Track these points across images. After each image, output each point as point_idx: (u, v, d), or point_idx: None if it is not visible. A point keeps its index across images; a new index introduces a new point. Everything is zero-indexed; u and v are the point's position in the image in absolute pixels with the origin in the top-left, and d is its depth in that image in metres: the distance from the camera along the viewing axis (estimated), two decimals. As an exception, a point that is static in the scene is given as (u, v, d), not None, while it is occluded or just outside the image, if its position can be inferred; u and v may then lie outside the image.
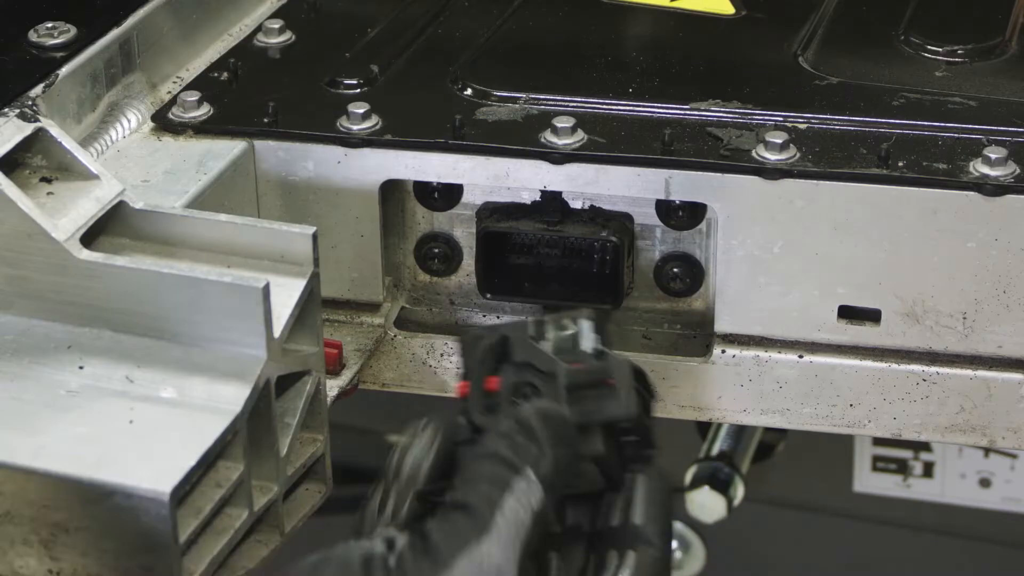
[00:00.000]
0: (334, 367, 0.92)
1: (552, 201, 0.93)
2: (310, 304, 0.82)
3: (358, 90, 0.98)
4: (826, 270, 0.90)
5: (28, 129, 0.84)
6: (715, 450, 1.58)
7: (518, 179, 0.92)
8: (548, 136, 0.92)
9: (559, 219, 0.93)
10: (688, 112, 0.95)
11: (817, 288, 0.91)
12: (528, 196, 0.93)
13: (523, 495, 0.73)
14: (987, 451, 1.75)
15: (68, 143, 0.84)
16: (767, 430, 1.66)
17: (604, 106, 0.95)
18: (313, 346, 0.83)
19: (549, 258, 0.94)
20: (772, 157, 0.90)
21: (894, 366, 0.93)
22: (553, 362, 0.80)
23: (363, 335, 0.97)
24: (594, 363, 0.81)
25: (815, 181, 0.89)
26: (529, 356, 0.81)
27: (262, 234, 0.82)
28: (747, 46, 1.05)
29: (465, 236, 0.97)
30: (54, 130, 0.84)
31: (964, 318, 0.90)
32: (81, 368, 0.79)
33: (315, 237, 0.82)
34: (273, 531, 0.82)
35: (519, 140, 0.92)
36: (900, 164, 0.89)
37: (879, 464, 1.81)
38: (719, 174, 0.90)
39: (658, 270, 0.95)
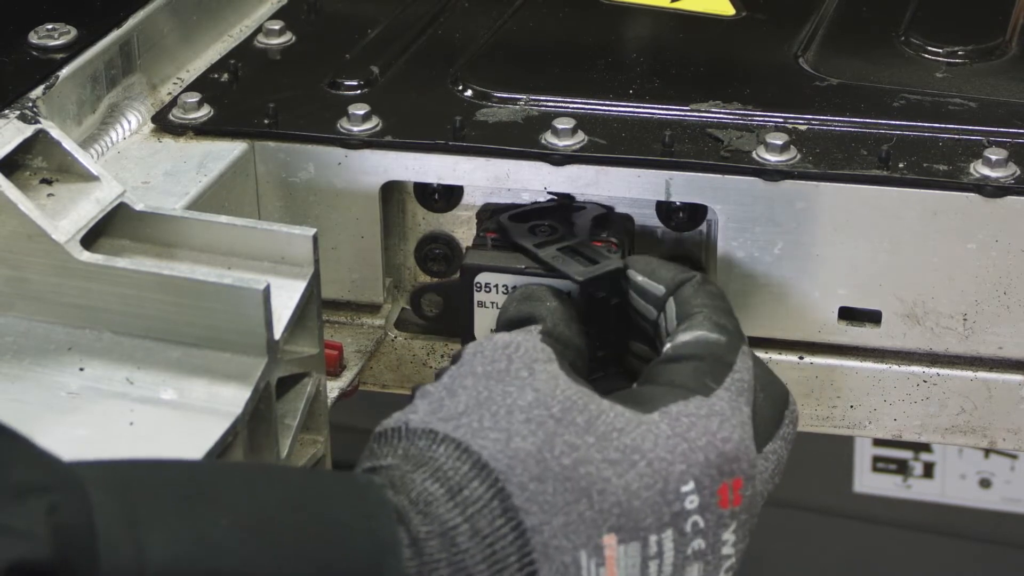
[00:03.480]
0: (334, 368, 0.92)
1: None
2: (310, 305, 0.82)
3: (358, 91, 0.98)
4: (826, 271, 0.90)
5: (28, 131, 0.84)
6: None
7: (518, 180, 0.92)
8: (548, 137, 0.92)
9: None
10: (688, 113, 0.95)
11: (817, 289, 0.91)
12: (528, 197, 0.93)
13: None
14: (987, 452, 1.75)
15: (68, 144, 0.84)
16: (767, 430, 1.66)
17: (604, 107, 0.95)
18: (313, 347, 0.83)
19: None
20: (772, 158, 0.90)
21: (894, 367, 0.93)
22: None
23: (364, 336, 0.97)
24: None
25: (815, 182, 0.89)
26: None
27: (262, 235, 0.82)
28: (747, 47, 1.05)
29: (465, 237, 0.97)
30: (54, 131, 0.84)
31: (964, 319, 0.90)
32: (81, 370, 0.79)
33: (315, 238, 0.82)
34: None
35: (519, 141, 0.92)
36: (900, 165, 0.89)
37: (879, 464, 1.81)
38: (719, 175, 0.90)
39: (659, 271, 0.95)
